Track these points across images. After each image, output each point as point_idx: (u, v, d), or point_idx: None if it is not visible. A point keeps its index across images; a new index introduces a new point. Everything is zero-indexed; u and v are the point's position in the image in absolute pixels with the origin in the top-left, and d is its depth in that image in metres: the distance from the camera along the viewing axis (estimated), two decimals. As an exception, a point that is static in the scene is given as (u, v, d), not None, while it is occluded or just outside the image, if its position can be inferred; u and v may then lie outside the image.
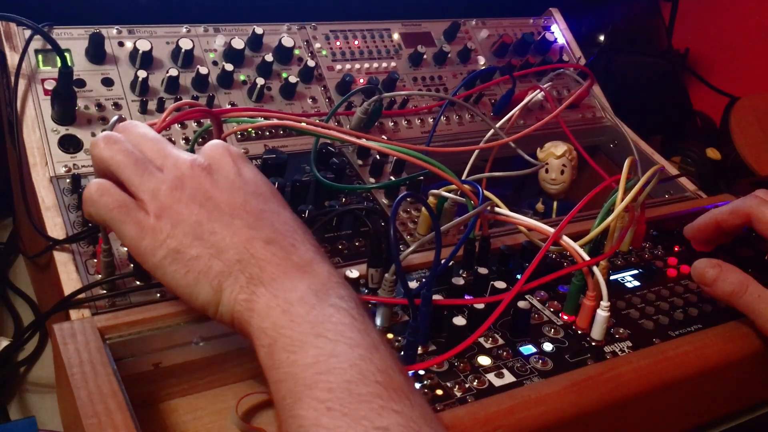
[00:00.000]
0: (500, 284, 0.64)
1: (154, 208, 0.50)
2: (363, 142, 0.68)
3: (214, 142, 0.55)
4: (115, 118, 0.57)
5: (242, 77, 0.83)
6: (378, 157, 0.79)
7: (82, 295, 0.58)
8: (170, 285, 0.50)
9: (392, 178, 0.79)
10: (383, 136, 0.85)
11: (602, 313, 0.62)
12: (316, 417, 0.42)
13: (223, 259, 0.49)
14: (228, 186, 0.51)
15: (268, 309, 0.47)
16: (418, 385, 0.55)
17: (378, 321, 0.60)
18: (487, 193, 0.68)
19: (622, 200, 0.67)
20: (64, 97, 0.71)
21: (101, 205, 0.51)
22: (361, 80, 0.90)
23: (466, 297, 0.63)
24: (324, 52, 0.90)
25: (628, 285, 0.72)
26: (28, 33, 0.75)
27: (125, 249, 0.62)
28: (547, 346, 0.61)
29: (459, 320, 0.59)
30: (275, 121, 0.67)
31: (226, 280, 0.48)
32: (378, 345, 0.46)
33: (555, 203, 0.96)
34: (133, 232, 0.50)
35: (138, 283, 0.60)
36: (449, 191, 0.71)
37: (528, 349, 0.61)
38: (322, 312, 0.46)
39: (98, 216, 0.52)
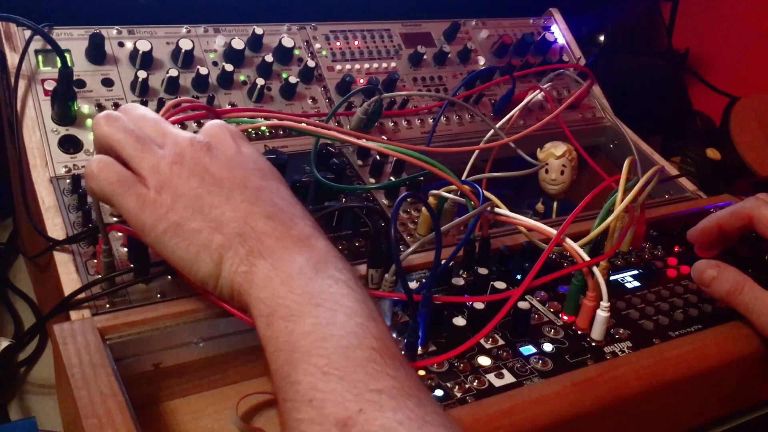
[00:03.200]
0: (500, 284, 0.64)
1: (154, 183, 0.51)
2: (363, 142, 0.68)
3: (214, 121, 0.56)
4: None
5: (242, 77, 0.83)
6: (378, 157, 0.79)
7: (82, 295, 0.58)
8: (171, 258, 0.51)
9: (392, 178, 0.79)
10: (383, 137, 0.85)
11: (602, 314, 0.62)
12: (311, 382, 0.42)
13: (224, 233, 0.49)
14: (228, 162, 0.52)
15: (267, 280, 0.47)
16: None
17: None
18: (487, 193, 0.68)
19: (622, 200, 0.67)
20: (64, 98, 0.71)
21: (102, 179, 0.52)
22: (361, 80, 0.90)
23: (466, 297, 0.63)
24: (324, 53, 0.90)
25: (628, 285, 0.72)
26: (28, 33, 0.75)
27: (125, 249, 0.62)
28: (547, 347, 0.61)
29: (459, 320, 0.59)
30: (275, 121, 0.67)
31: (227, 253, 0.49)
32: (374, 314, 0.47)
33: (555, 203, 0.96)
34: (133, 205, 0.51)
35: (137, 281, 0.60)
36: (449, 191, 0.71)
37: (528, 349, 0.61)
38: (320, 283, 0.47)
39: (99, 190, 0.52)
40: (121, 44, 0.79)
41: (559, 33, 1.07)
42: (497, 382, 0.57)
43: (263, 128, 0.80)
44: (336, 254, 0.50)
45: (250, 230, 0.49)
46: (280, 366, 0.45)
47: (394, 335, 0.60)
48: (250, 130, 0.79)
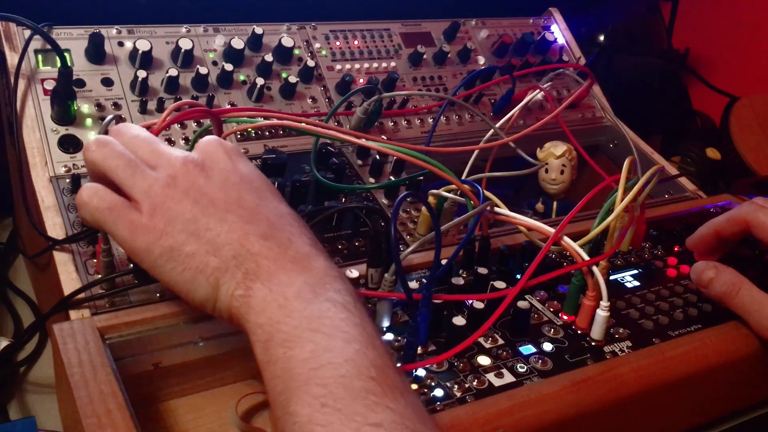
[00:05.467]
0: (500, 284, 0.64)
1: (147, 207, 0.50)
2: (363, 142, 0.68)
3: (208, 138, 0.55)
4: (109, 117, 0.56)
5: (242, 77, 0.83)
6: (378, 157, 0.79)
7: (81, 295, 0.58)
8: (168, 283, 0.51)
9: (392, 178, 0.79)
10: (383, 136, 0.85)
11: (602, 313, 0.62)
12: (309, 414, 0.42)
13: (219, 256, 0.49)
14: (222, 182, 0.51)
15: (264, 304, 0.47)
16: (416, 386, 0.55)
17: (377, 319, 0.60)
18: (487, 193, 0.68)
19: (622, 200, 0.67)
20: (64, 97, 0.71)
21: (92, 208, 0.51)
22: (361, 80, 0.90)
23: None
24: (324, 52, 0.90)
25: (628, 285, 0.72)
26: (27, 33, 0.75)
27: (125, 249, 0.62)
28: (547, 346, 0.61)
29: (459, 320, 0.59)
30: (275, 121, 0.67)
31: (223, 276, 0.48)
32: (374, 340, 0.46)
33: (555, 203, 0.96)
34: (125, 231, 0.50)
35: (137, 282, 0.60)
36: (449, 191, 0.71)
37: (528, 348, 0.61)
38: (318, 307, 0.46)
39: (91, 218, 0.52)
40: (120, 44, 0.79)
41: (559, 33, 1.07)
42: (497, 382, 0.57)
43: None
44: (335, 273, 0.49)
45: (246, 252, 0.48)
46: (279, 393, 0.44)
47: (392, 335, 0.60)
48: (250, 130, 0.79)
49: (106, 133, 0.56)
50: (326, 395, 0.42)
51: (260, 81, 0.81)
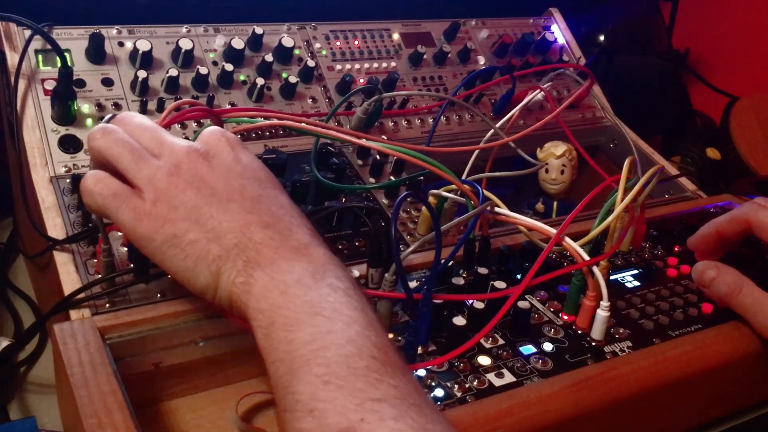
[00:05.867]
0: (500, 284, 0.64)
1: (150, 195, 0.51)
2: (363, 142, 0.68)
3: (211, 128, 0.55)
4: (109, 116, 0.56)
5: (242, 77, 0.83)
6: (378, 157, 0.79)
7: (82, 295, 0.58)
8: (169, 270, 0.51)
9: (392, 178, 0.79)
10: (383, 136, 0.85)
11: (602, 313, 0.62)
12: (312, 391, 0.42)
13: (221, 244, 0.49)
14: (225, 171, 0.52)
15: (265, 291, 0.47)
16: (418, 385, 0.55)
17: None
18: (487, 193, 0.68)
19: (622, 200, 0.67)
20: (64, 97, 0.71)
21: (96, 194, 0.52)
22: (361, 80, 0.90)
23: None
24: (324, 52, 0.90)
25: (628, 285, 0.72)
26: (28, 33, 0.75)
27: (125, 249, 0.62)
28: (547, 346, 0.61)
29: (459, 320, 0.59)
30: (275, 121, 0.67)
31: (224, 264, 0.49)
32: (374, 323, 0.46)
33: (555, 203, 0.96)
34: (129, 218, 0.51)
35: (136, 280, 0.60)
36: (449, 191, 0.71)
37: (528, 349, 0.61)
38: (318, 292, 0.47)
39: (95, 205, 0.52)
40: (121, 44, 0.79)
41: (559, 33, 1.07)
42: (497, 382, 0.57)
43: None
44: (335, 262, 0.50)
45: (248, 241, 0.49)
46: (281, 376, 0.44)
47: (392, 335, 0.60)
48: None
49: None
50: (328, 373, 0.42)
51: (260, 81, 0.81)
